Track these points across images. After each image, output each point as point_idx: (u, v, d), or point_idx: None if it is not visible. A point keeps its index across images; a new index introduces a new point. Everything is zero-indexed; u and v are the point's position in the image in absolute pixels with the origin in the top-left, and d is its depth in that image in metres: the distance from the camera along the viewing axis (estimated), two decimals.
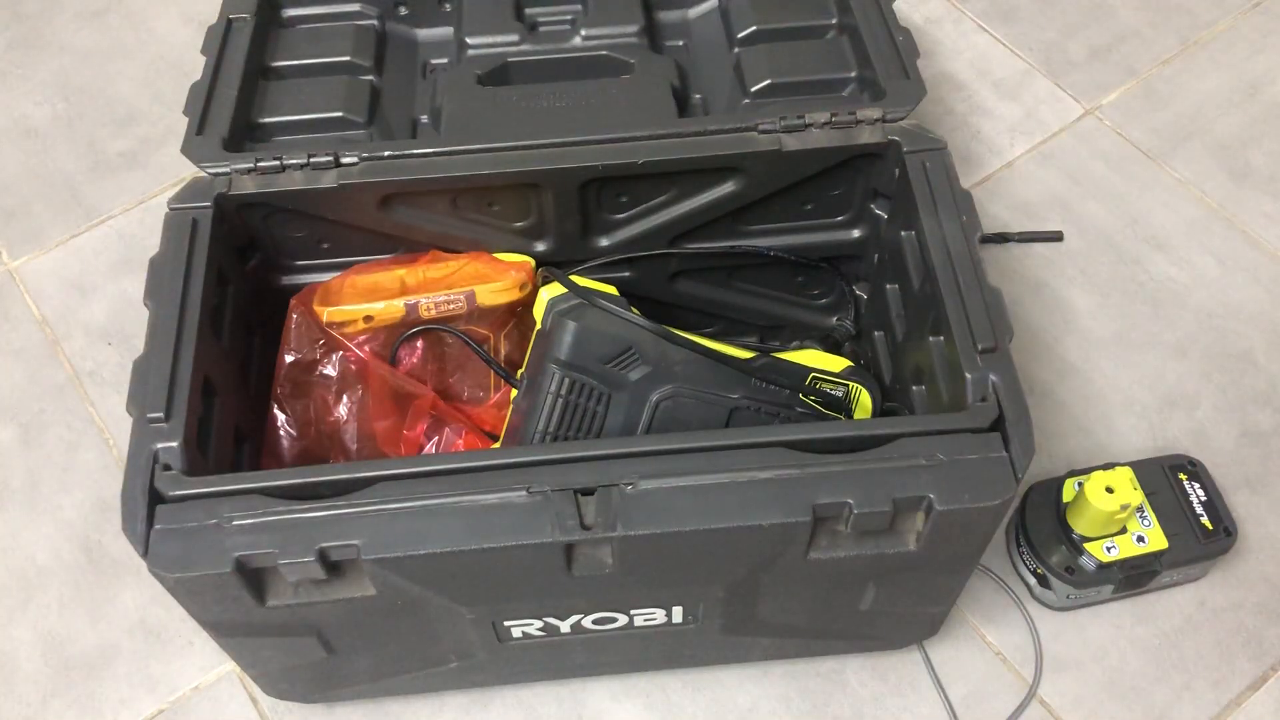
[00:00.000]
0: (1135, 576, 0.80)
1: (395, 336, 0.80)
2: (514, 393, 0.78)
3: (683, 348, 0.74)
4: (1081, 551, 0.80)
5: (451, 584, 0.63)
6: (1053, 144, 1.15)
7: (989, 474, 0.61)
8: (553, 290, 0.74)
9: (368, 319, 0.78)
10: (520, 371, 0.77)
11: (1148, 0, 1.26)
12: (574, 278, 0.75)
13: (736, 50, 0.86)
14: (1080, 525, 0.80)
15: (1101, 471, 0.79)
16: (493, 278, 0.79)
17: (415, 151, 0.76)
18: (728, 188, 0.79)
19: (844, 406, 0.80)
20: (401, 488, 0.60)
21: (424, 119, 0.86)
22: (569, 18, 0.89)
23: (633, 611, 0.70)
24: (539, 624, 0.70)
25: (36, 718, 0.83)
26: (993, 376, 0.64)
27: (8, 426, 0.98)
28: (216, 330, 0.72)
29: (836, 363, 0.81)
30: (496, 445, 0.79)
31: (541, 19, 0.90)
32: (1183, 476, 0.84)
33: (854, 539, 0.64)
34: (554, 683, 0.83)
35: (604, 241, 0.83)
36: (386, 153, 0.75)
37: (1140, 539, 0.80)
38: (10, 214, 1.12)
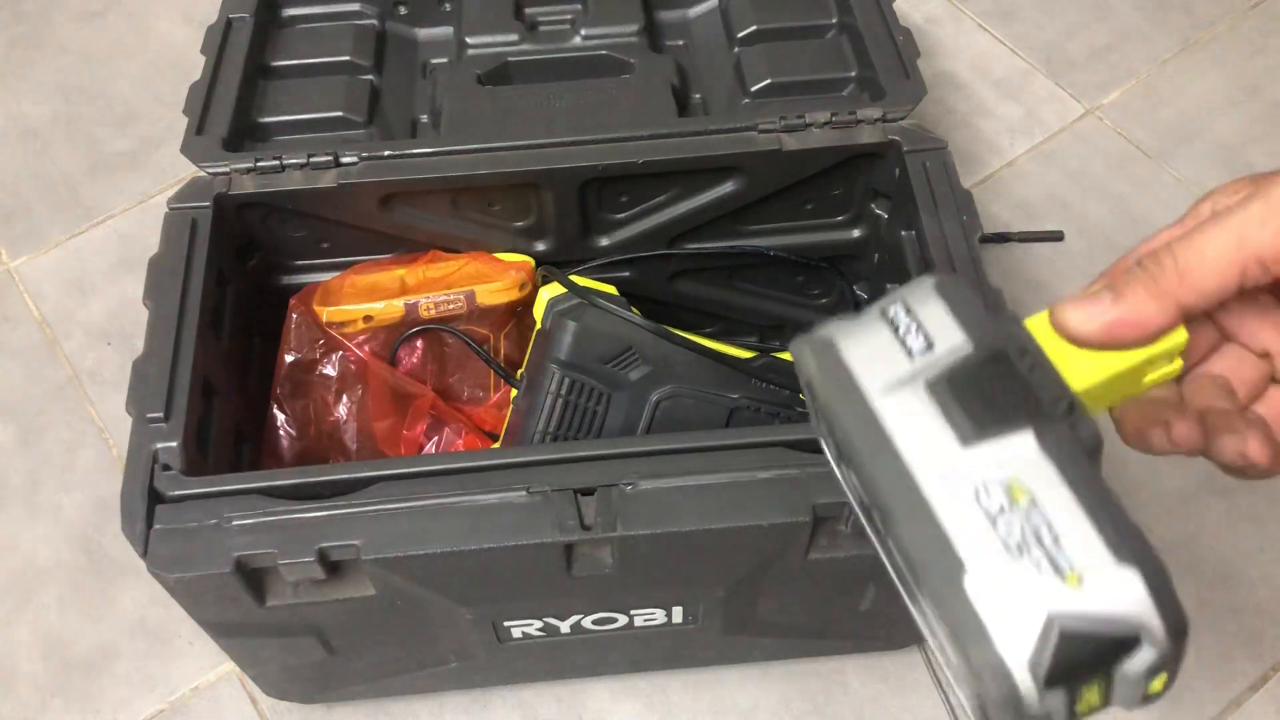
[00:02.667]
0: None
1: (395, 336, 0.80)
2: (514, 393, 0.77)
3: (683, 348, 0.74)
4: None
5: (451, 584, 0.63)
6: (1053, 144, 1.15)
7: None
8: (552, 290, 0.74)
9: (367, 319, 0.78)
10: (520, 371, 0.77)
11: (1148, 0, 1.26)
12: (574, 278, 0.75)
13: (736, 50, 0.86)
14: None
15: None
16: (493, 277, 0.79)
17: (415, 151, 0.76)
18: (728, 187, 0.79)
19: None
20: (401, 488, 0.60)
21: (424, 118, 0.86)
22: (569, 17, 0.89)
23: (633, 612, 0.70)
24: (539, 624, 0.70)
25: (36, 718, 0.83)
26: None
27: (7, 426, 0.98)
28: (216, 330, 0.72)
29: None
30: (496, 445, 0.79)
31: (541, 18, 0.90)
32: None
33: (854, 539, 0.64)
34: (554, 683, 0.83)
35: (604, 241, 0.83)
36: (386, 152, 0.75)
37: None
38: (10, 214, 1.12)
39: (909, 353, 0.34)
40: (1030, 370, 0.34)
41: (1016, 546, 0.30)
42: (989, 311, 0.35)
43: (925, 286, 0.35)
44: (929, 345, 0.34)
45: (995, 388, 0.33)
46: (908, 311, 0.35)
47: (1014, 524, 0.31)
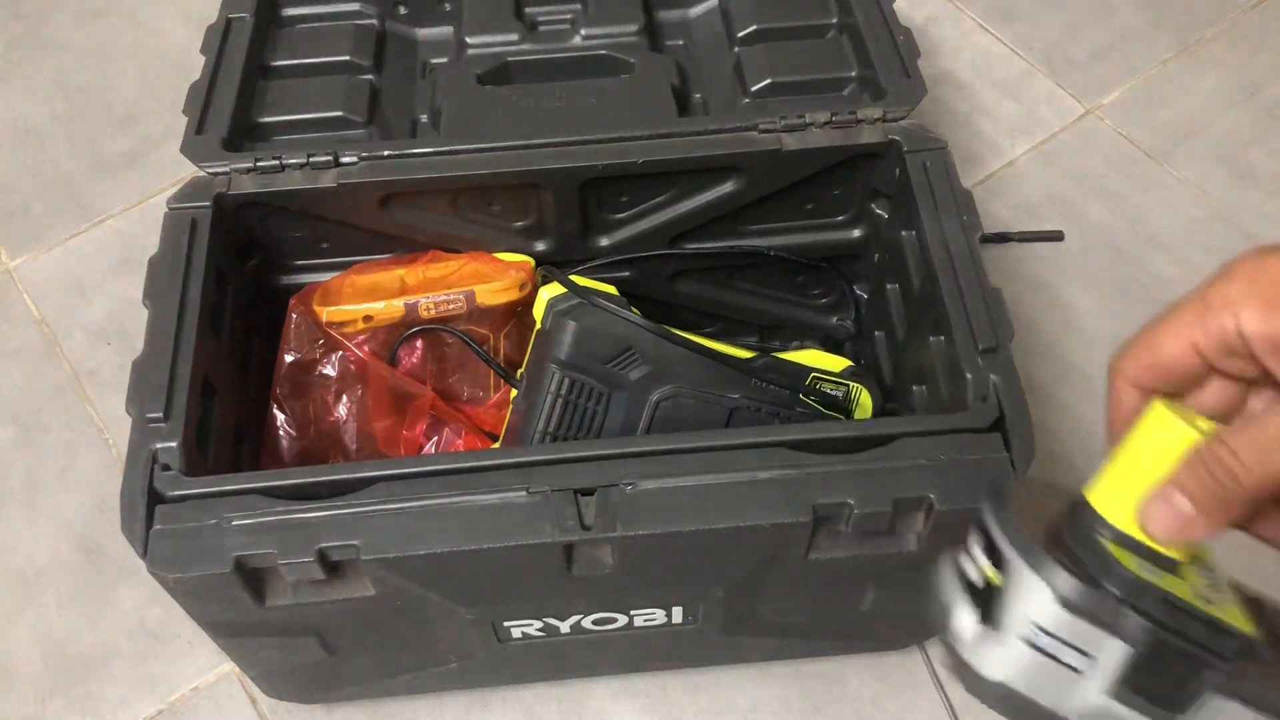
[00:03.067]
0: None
1: (395, 336, 0.79)
2: (514, 393, 0.77)
3: (682, 348, 0.74)
4: None
5: (451, 584, 0.63)
6: (1053, 143, 1.15)
7: (989, 474, 0.61)
8: (552, 290, 0.74)
9: (367, 319, 0.78)
10: (520, 371, 0.77)
11: (1148, 0, 1.26)
12: (574, 277, 0.75)
13: (737, 49, 0.86)
14: None
15: None
16: (492, 277, 0.79)
17: (415, 151, 0.75)
18: (728, 187, 0.79)
19: (844, 406, 0.80)
20: (401, 488, 0.60)
21: (424, 118, 0.86)
22: (569, 17, 0.89)
23: (633, 612, 0.70)
24: (539, 624, 0.70)
25: (36, 718, 0.83)
26: (993, 376, 0.64)
27: (7, 426, 0.98)
28: (216, 330, 0.72)
29: (836, 363, 0.81)
30: (496, 445, 0.79)
31: (541, 18, 0.90)
32: None
33: (854, 539, 0.64)
34: (554, 683, 0.83)
35: (604, 241, 0.83)
36: (386, 152, 0.75)
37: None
38: (10, 214, 1.12)
39: (1075, 670, 0.36)
40: (1178, 634, 0.35)
41: None
42: (1103, 585, 0.36)
43: (1045, 601, 0.36)
44: (1087, 654, 0.36)
45: (1167, 669, 0.35)
46: (1049, 635, 0.36)
47: None
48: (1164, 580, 0.36)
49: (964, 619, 0.38)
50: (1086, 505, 0.38)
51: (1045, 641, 0.36)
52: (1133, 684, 0.36)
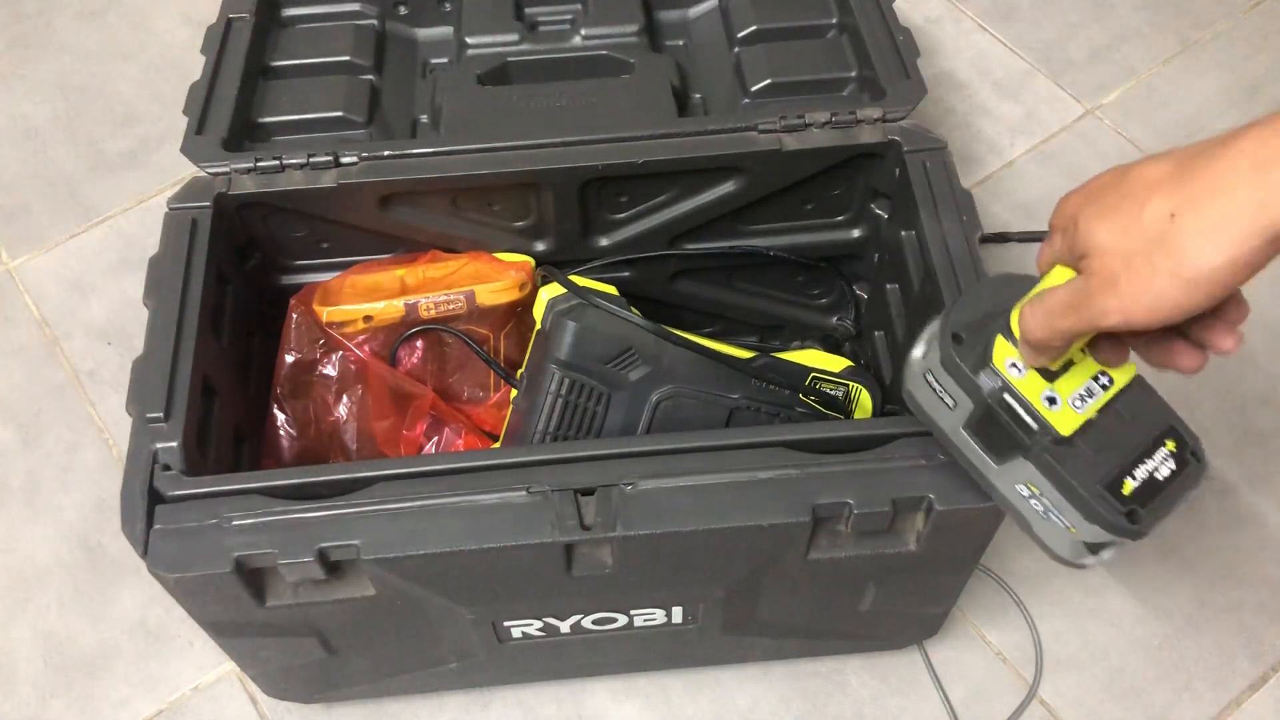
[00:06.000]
0: None
1: (395, 336, 0.80)
2: (514, 393, 0.78)
3: (682, 348, 0.74)
4: None
5: (451, 584, 0.63)
6: (1053, 144, 1.15)
7: None
8: (552, 290, 0.74)
9: (367, 319, 0.78)
10: (520, 371, 0.77)
11: (1148, 0, 1.26)
12: (574, 278, 0.75)
13: (736, 50, 0.86)
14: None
15: None
16: (492, 277, 0.79)
17: (415, 151, 0.75)
18: (728, 187, 0.79)
19: (844, 406, 0.80)
20: (401, 488, 0.60)
21: (424, 119, 0.86)
22: (569, 17, 0.89)
23: (633, 612, 0.70)
24: (539, 624, 0.70)
25: (36, 718, 0.83)
26: None
27: (8, 426, 0.98)
28: (216, 330, 0.72)
29: (836, 363, 0.81)
30: (496, 445, 0.79)
31: (541, 18, 0.90)
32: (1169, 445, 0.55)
33: (854, 539, 0.64)
34: (554, 683, 0.83)
35: (604, 241, 0.83)
36: (386, 152, 0.75)
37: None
38: (10, 214, 1.12)
39: (949, 406, 0.56)
40: (1006, 414, 0.53)
41: (1044, 512, 0.55)
42: (976, 374, 0.53)
43: (935, 362, 0.55)
44: (955, 404, 0.56)
45: (995, 431, 0.54)
46: (939, 382, 0.56)
47: (1039, 503, 0.55)
48: (1024, 378, 0.53)
49: (915, 351, 0.57)
50: (1005, 315, 0.53)
51: (934, 381, 0.56)
52: (974, 428, 0.56)
